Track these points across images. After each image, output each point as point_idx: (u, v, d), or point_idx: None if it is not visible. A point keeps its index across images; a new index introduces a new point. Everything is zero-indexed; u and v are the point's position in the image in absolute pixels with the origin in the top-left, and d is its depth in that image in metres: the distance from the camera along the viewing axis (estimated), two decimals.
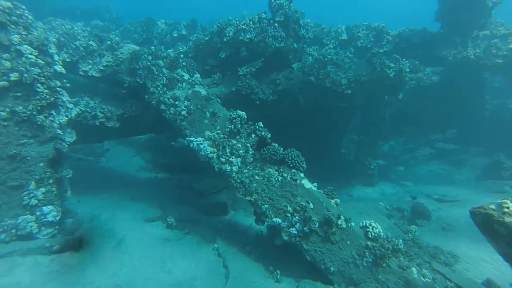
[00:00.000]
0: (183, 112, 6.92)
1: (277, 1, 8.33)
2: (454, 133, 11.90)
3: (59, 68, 6.56)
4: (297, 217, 5.72)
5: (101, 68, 7.76)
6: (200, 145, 6.64)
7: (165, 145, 12.17)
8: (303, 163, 6.30)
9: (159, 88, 7.10)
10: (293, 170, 6.23)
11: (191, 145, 6.75)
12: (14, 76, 6.01)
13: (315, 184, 6.65)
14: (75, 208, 7.63)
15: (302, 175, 6.30)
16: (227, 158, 6.36)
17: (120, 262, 5.81)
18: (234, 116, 6.56)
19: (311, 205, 5.77)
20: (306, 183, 6.13)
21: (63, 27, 8.42)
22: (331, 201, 6.07)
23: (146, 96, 7.37)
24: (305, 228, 5.62)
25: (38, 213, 5.96)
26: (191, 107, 6.96)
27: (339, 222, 5.62)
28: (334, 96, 9.34)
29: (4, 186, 5.89)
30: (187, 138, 6.85)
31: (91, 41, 7.87)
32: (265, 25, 8.32)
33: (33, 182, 5.99)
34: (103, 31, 12.59)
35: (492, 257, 6.34)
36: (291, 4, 8.42)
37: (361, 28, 10.92)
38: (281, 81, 8.79)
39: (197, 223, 7.91)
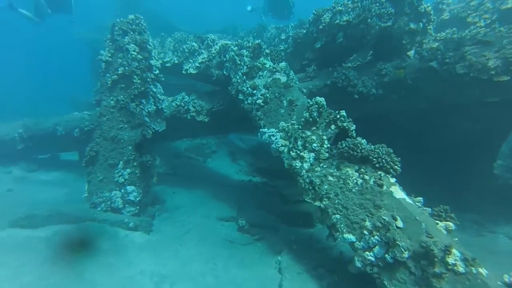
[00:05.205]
0: (259, 101, 6.27)
1: None
2: None
3: (153, 62, 7.18)
4: (376, 237, 3.98)
5: (197, 65, 8.14)
6: (272, 137, 5.80)
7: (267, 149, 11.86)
8: (395, 164, 4.46)
9: (238, 77, 6.76)
10: (379, 172, 4.47)
11: (263, 137, 5.99)
12: (121, 70, 6.96)
13: (420, 198, 4.61)
14: (168, 197, 8.15)
15: (392, 180, 4.44)
16: (298, 152, 5.24)
17: (173, 253, 5.56)
18: (311, 103, 5.42)
19: (400, 223, 3.90)
20: (397, 192, 4.26)
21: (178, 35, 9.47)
22: (437, 224, 3.97)
23: (229, 88, 7.17)
24: (387, 255, 3.82)
25: (123, 190, 6.51)
26: (268, 95, 6.25)
27: (450, 260, 3.52)
28: (473, 88, 6.63)
29: (106, 163, 6.76)
30: (260, 129, 6.14)
31: (193, 42, 8.43)
32: (368, 3, 6.81)
33: (121, 162, 6.62)
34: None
35: None
36: None
37: None
38: (388, 71, 6.93)
39: (273, 231, 6.97)
